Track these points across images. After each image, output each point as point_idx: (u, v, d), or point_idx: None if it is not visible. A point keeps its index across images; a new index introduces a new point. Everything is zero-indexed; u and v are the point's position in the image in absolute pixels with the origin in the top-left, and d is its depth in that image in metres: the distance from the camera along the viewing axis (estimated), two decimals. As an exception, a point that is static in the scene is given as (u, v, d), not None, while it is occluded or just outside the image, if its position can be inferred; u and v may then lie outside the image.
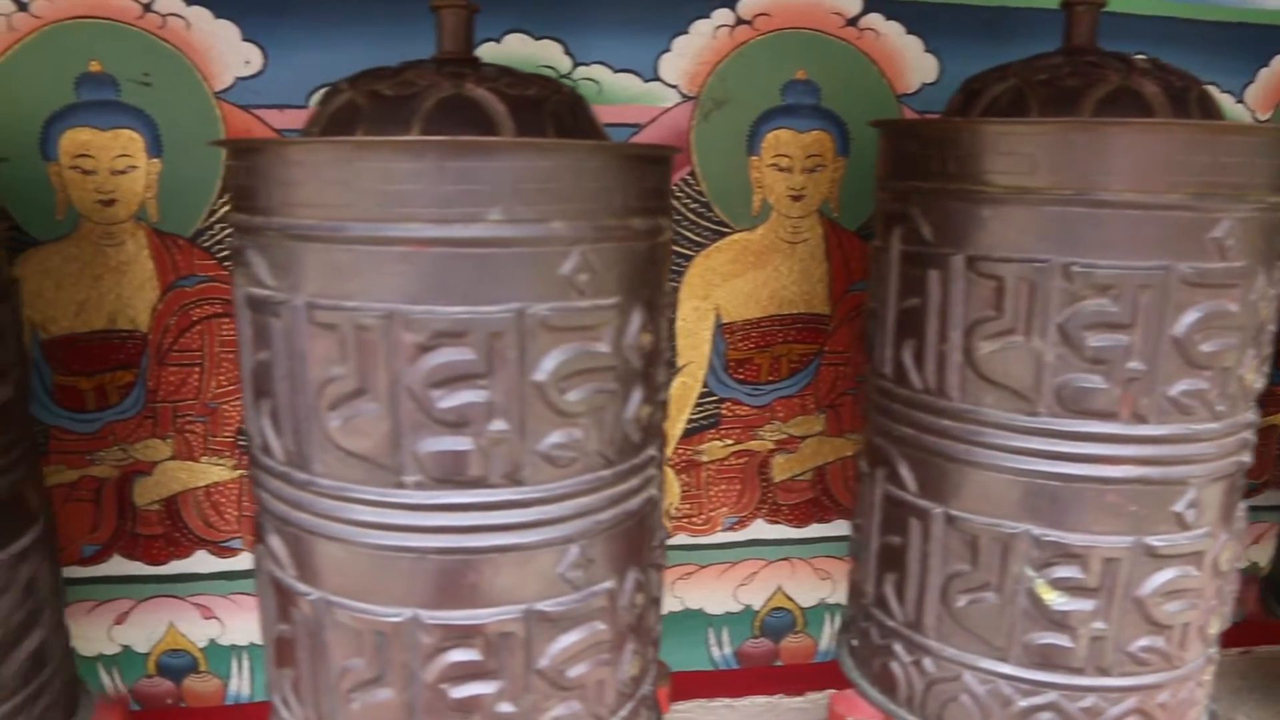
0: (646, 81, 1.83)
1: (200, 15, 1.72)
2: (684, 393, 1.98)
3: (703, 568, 2.10)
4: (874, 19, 1.87)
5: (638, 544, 1.39)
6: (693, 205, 1.90)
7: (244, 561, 1.93)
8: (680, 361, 1.91)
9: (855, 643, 1.69)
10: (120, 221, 1.77)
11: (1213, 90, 1.51)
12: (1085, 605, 1.41)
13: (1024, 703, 1.46)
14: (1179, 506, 1.39)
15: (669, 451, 1.98)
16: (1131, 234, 1.31)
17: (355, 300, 1.15)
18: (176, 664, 1.97)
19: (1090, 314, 1.33)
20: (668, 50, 1.83)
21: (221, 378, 1.84)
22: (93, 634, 1.91)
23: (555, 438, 1.23)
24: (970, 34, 1.89)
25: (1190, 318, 1.33)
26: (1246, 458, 1.47)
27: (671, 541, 2.04)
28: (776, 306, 1.97)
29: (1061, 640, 1.43)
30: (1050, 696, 1.45)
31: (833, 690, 2.07)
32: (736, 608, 2.14)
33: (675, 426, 1.99)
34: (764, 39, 1.85)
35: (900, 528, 1.54)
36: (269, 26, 1.74)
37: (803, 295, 1.97)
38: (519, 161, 1.14)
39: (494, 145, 1.15)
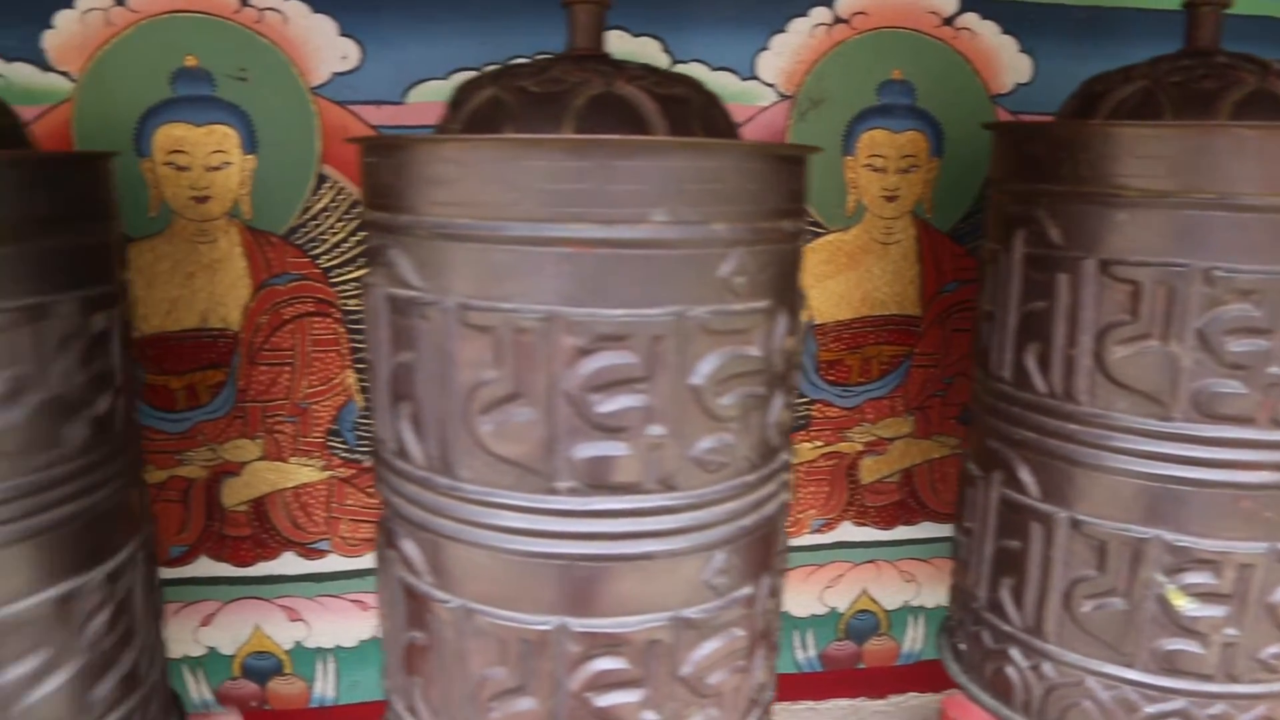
0: (744, 80, 1.82)
1: (298, 9, 1.69)
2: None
3: (789, 570, 2.09)
4: (970, 18, 1.86)
5: (771, 549, 1.38)
6: (787, 205, 1.88)
7: (331, 564, 1.90)
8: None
9: (963, 646, 1.68)
10: (213, 218, 1.74)
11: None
12: (1217, 611, 1.40)
13: (1150, 709, 1.45)
14: (1315, 512, 1.39)
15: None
16: (1275, 239, 1.30)
17: (513, 302, 1.13)
18: (262, 666, 1.94)
19: (1231, 319, 1.32)
20: (765, 49, 1.82)
21: (312, 377, 1.82)
22: (178, 636, 1.88)
23: (707, 442, 1.22)
24: (1065, 34, 1.88)
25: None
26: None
27: (759, 543, 2.02)
28: (868, 308, 1.95)
29: (1191, 647, 1.42)
30: (1178, 703, 1.44)
31: (913, 693, 2.08)
32: (822, 610, 2.13)
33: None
34: (861, 38, 1.84)
35: (1019, 532, 1.53)
36: (367, 21, 1.71)
37: (894, 296, 1.96)
38: (684, 161, 1.12)
39: (662, 145, 1.13)
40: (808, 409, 1.99)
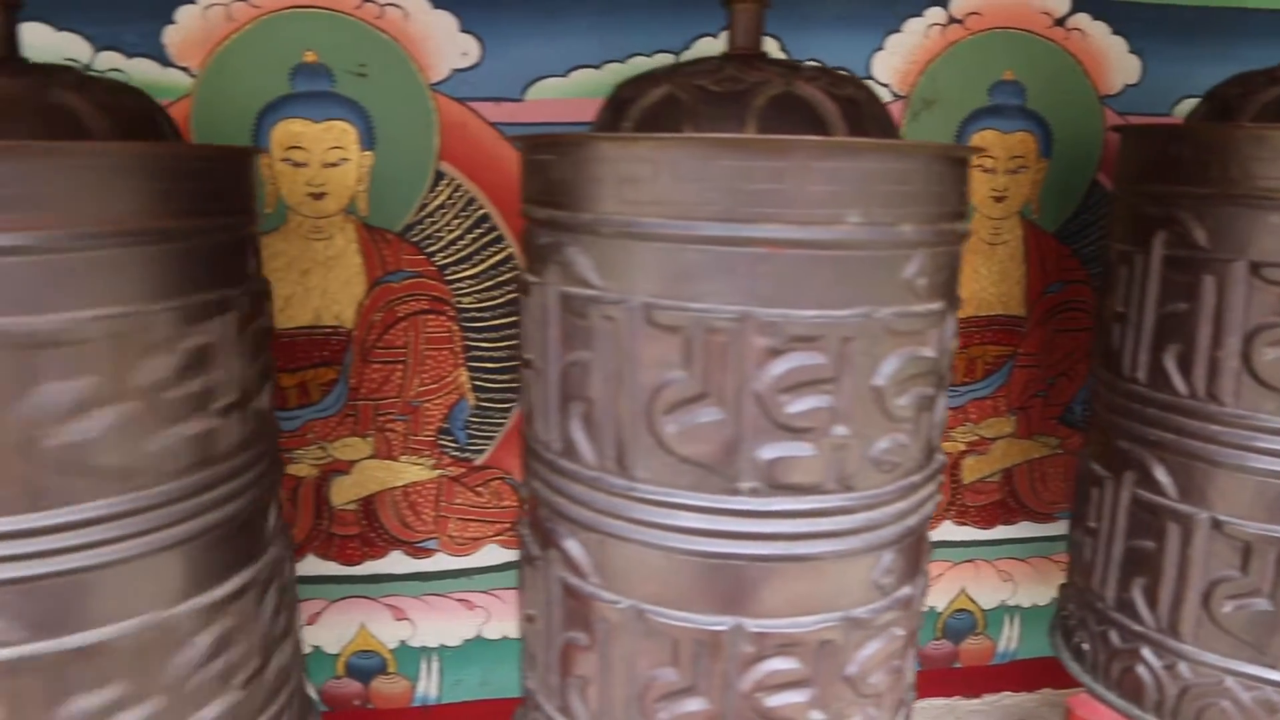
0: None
1: (419, 5, 1.68)
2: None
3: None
4: (1081, 19, 1.86)
5: (925, 549, 1.38)
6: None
7: (438, 563, 1.90)
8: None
9: (1086, 646, 1.68)
10: (329, 215, 1.73)
11: None
12: (1365, 611, 1.41)
13: (1293, 709, 1.46)
14: None
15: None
16: None
17: (704, 301, 1.13)
18: (365, 665, 1.93)
19: (1387, 320, 1.33)
20: (881, 48, 1.82)
21: (425, 375, 1.81)
22: (287, 636, 1.86)
23: (884, 443, 1.22)
24: (1174, 35, 1.89)
25: None
26: None
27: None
28: (974, 308, 1.96)
29: (1338, 647, 1.43)
30: (1321, 703, 1.45)
31: (1008, 693, 2.08)
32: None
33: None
34: (974, 38, 1.84)
35: (1153, 532, 1.54)
36: (487, 18, 1.70)
37: (999, 297, 1.96)
38: (879, 163, 1.12)
39: (860, 146, 1.13)
40: (913, 408, 1.99)
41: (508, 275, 1.78)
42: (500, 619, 1.94)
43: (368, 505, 1.85)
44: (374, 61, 1.69)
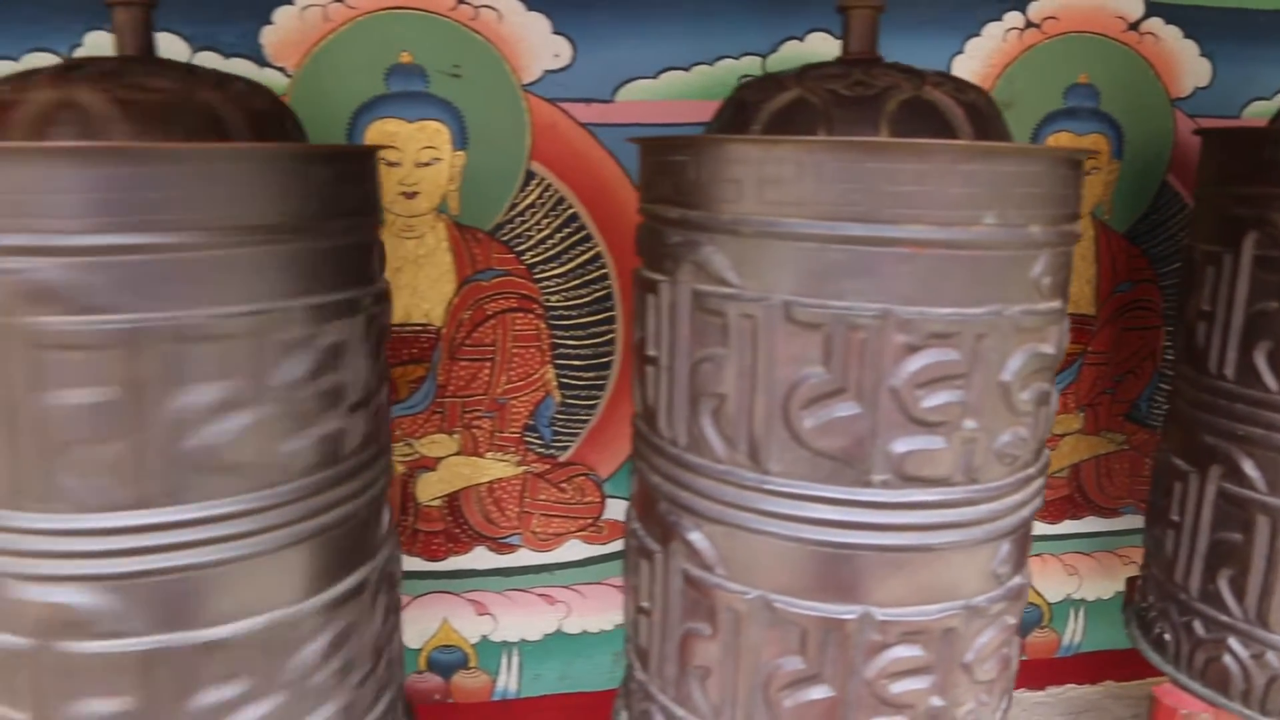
0: (938, 82, 1.85)
1: (512, 7, 1.71)
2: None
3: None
4: (1154, 23, 1.90)
5: (1030, 540, 1.41)
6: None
7: (521, 558, 1.92)
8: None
9: (1168, 637, 1.72)
10: (421, 214, 1.75)
11: None
12: None
13: (1382, 696, 1.50)
14: None
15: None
16: None
17: (846, 300, 1.16)
18: (447, 660, 1.96)
19: None
20: (960, 52, 1.85)
21: (512, 373, 1.83)
22: (374, 630, 1.88)
23: (1007, 436, 1.25)
24: (1245, 38, 1.93)
25: None
26: None
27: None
28: (1046, 306, 1.99)
29: None
30: None
31: (1072, 685, 2.13)
32: (988, 602, 2.17)
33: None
34: (1050, 42, 1.88)
35: (1241, 524, 1.58)
36: (579, 20, 1.73)
37: (1071, 296, 2.00)
38: (1013, 166, 1.15)
39: (997, 150, 1.17)
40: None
41: (595, 274, 1.81)
42: (580, 614, 1.96)
43: (453, 501, 1.87)
44: (468, 62, 1.71)
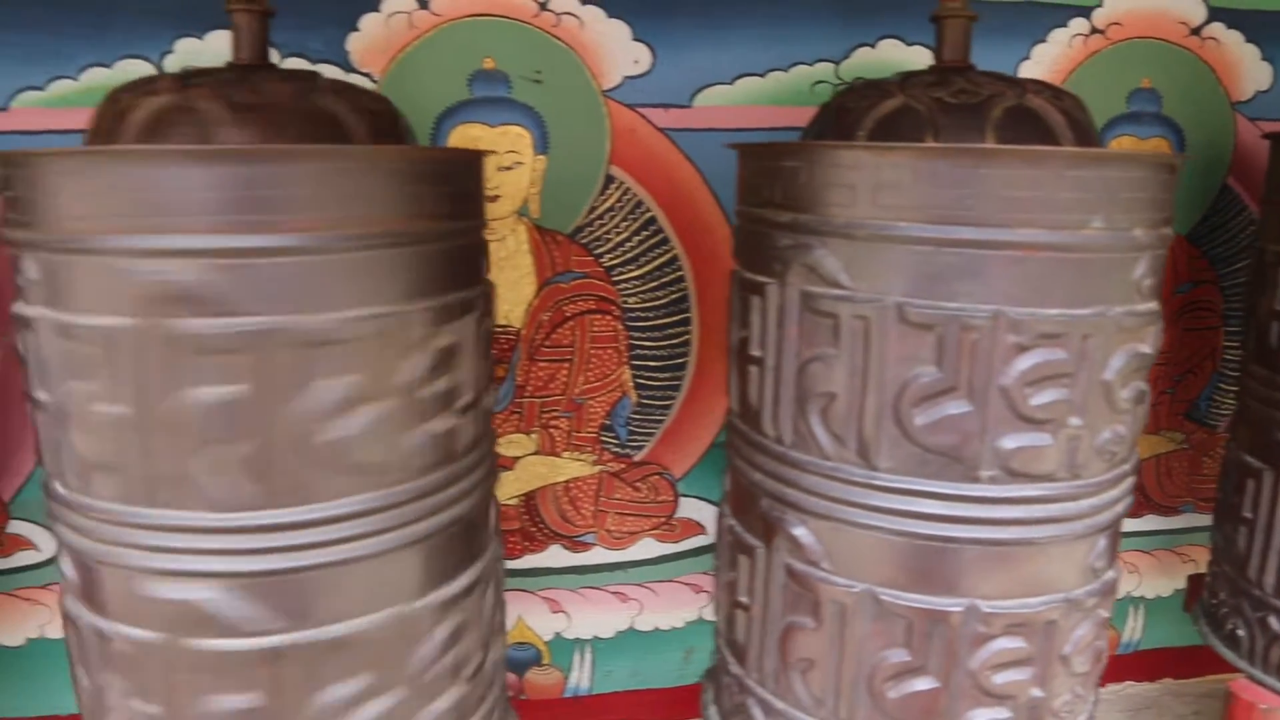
0: (1005, 87, 1.88)
1: (594, 14, 1.74)
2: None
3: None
4: (1216, 28, 1.94)
5: (1120, 536, 1.45)
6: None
7: (595, 556, 1.95)
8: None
9: (1241, 633, 1.76)
10: (502, 217, 1.79)
11: None
12: None
13: None
14: None
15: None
16: None
17: (959, 301, 1.19)
18: (521, 656, 1.99)
19: None
20: (1027, 58, 1.89)
21: (590, 373, 1.87)
22: (454, 627, 1.92)
23: (1107, 433, 1.29)
24: (1305, 42, 1.97)
25: None
26: None
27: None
28: (1108, 307, 2.03)
29: None
30: None
31: (1130, 682, 2.16)
32: (1050, 598, 2.20)
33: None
34: (1114, 48, 1.91)
35: (1315, 520, 1.61)
36: (659, 27, 1.76)
37: (1131, 296, 2.03)
38: (1121, 171, 1.19)
39: (1106, 156, 1.21)
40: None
41: (672, 276, 1.85)
42: (652, 611, 2.00)
43: (529, 500, 1.90)
44: (549, 68, 1.75)
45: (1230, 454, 1.80)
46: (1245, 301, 1.82)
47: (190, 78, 1.24)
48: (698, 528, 1.98)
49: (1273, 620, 1.69)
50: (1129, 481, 1.38)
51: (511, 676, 1.99)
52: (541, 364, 1.85)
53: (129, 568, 1.16)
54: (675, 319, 1.86)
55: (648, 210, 1.81)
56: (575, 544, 1.93)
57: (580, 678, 2.01)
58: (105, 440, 1.12)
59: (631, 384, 1.88)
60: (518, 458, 1.88)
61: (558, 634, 1.98)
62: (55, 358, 1.13)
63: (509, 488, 1.89)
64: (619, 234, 1.82)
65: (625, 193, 1.80)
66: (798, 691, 1.41)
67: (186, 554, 1.13)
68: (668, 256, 1.84)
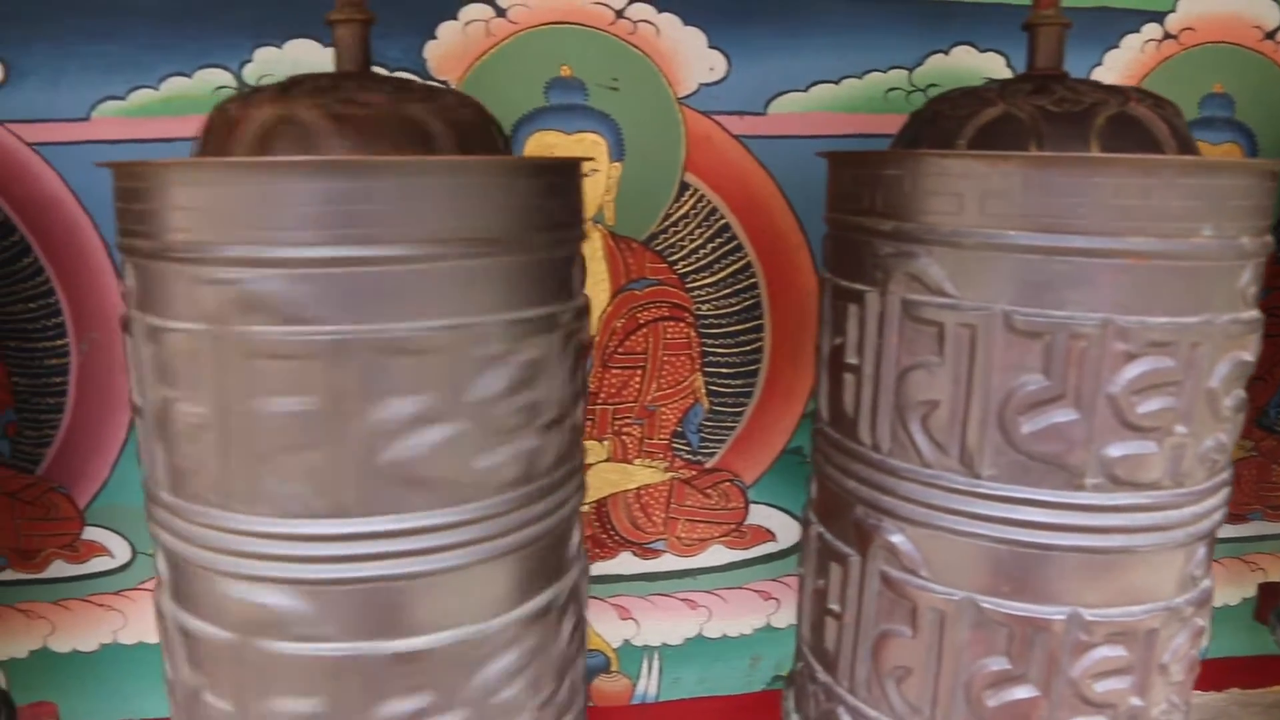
0: (1077, 93, 1.88)
1: (670, 22, 1.75)
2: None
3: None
4: (1290, 32, 1.94)
5: (1215, 544, 1.44)
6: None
7: (665, 563, 1.96)
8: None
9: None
10: (578, 225, 1.78)
11: None
12: None
13: None
14: None
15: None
16: None
17: (1068, 310, 1.19)
18: (589, 664, 1.98)
19: None
20: (1099, 64, 1.89)
21: (662, 380, 1.87)
22: (526, 634, 1.92)
23: (1210, 441, 1.28)
24: (1375, 48, 1.96)
25: None
26: None
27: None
28: (1178, 313, 2.02)
29: None
30: None
31: (1197, 692, 2.14)
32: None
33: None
34: (1186, 53, 1.91)
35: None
36: (735, 34, 1.77)
37: (1201, 302, 2.03)
38: (1230, 180, 1.19)
39: (1217, 165, 1.20)
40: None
41: (745, 283, 1.85)
42: (720, 618, 2.00)
43: (601, 507, 1.91)
44: (625, 76, 1.75)
45: (1309, 461, 1.79)
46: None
47: (288, 88, 1.24)
48: (767, 534, 1.98)
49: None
50: (1227, 490, 1.38)
51: (580, 683, 1.99)
52: (614, 371, 1.85)
53: (207, 568, 1.18)
54: (748, 325, 1.86)
55: (721, 217, 1.82)
56: (645, 551, 1.93)
57: (648, 685, 2.01)
58: (188, 443, 1.14)
59: (704, 391, 1.88)
60: (590, 465, 1.88)
61: (626, 641, 1.98)
62: (148, 361, 1.16)
63: (581, 494, 1.89)
64: (693, 241, 1.82)
65: (699, 200, 1.80)
66: (892, 700, 1.40)
67: (258, 559, 1.15)
68: (741, 263, 1.84)
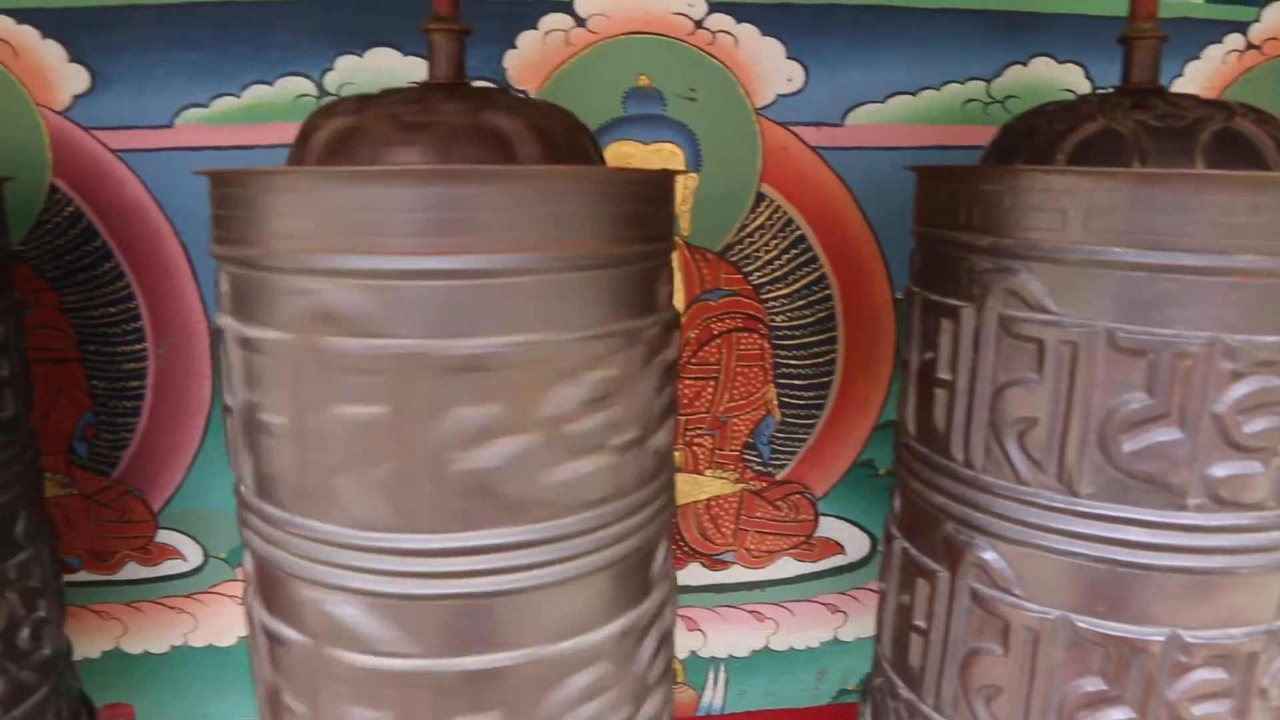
0: (1157, 105, 1.86)
1: (749, 32, 1.74)
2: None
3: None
4: (1374, 44, 1.91)
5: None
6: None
7: (734, 575, 1.95)
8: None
9: None
10: (653, 236, 1.78)
11: None
12: None
13: None
14: None
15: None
16: None
17: (1174, 328, 1.17)
18: (658, 674, 1.98)
19: None
20: (1180, 75, 1.86)
21: (735, 391, 1.86)
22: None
23: (1306, 460, 1.26)
24: None
25: None
26: None
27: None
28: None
29: None
30: None
31: None
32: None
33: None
34: (1270, 64, 1.88)
35: None
36: (812, 46, 1.76)
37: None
38: (1344, 194, 1.16)
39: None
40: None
41: (820, 295, 1.84)
42: (788, 630, 1.99)
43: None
44: (703, 86, 1.75)
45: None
46: None
47: (369, 99, 1.25)
48: (837, 547, 1.97)
49: None
50: (1317, 508, 1.35)
51: (646, 693, 1.99)
52: (688, 381, 1.85)
53: (287, 572, 1.20)
54: (821, 337, 1.85)
55: (797, 228, 1.81)
56: (714, 562, 1.93)
57: (714, 696, 2.01)
58: (269, 449, 1.17)
59: (776, 402, 1.87)
60: (660, 475, 1.87)
61: (693, 652, 1.98)
62: (236, 367, 1.19)
63: (651, 504, 1.88)
64: (768, 252, 1.81)
65: (775, 211, 1.80)
66: (980, 718, 1.39)
67: (332, 567, 1.16)
68: (815, 275, 1.83)
